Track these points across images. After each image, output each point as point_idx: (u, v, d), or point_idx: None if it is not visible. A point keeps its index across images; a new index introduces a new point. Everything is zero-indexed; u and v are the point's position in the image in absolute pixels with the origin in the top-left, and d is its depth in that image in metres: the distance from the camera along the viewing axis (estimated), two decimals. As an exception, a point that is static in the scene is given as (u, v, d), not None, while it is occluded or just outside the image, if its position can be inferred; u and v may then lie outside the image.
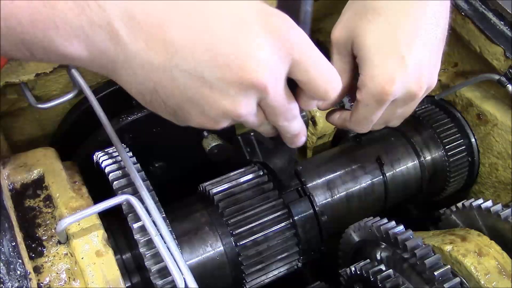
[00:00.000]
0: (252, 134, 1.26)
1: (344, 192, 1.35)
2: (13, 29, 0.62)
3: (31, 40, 0.63)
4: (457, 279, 1.02)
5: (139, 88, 0.70)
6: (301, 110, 0.86)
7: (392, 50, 0.91)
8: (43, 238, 0.98)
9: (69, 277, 0.93)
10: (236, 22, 0.67)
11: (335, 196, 1.33)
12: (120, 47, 0.65)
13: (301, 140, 0.90)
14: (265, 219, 1.19)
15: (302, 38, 0.74)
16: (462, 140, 1.47)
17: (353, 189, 1.36)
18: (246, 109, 0.73)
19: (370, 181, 1.38)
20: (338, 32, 0.99)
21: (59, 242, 0.97)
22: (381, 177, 1.39)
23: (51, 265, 0.94)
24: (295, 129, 0.86)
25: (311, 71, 0.75)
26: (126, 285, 1.05)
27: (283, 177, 1.22)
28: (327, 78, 0.78)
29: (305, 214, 1.22)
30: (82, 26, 0.62)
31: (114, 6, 0.63)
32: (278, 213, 1.20)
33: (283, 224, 1.20)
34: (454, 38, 1.45)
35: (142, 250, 0.97)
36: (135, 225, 0.98)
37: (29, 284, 0.84)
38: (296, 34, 0.73)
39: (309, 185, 1.30)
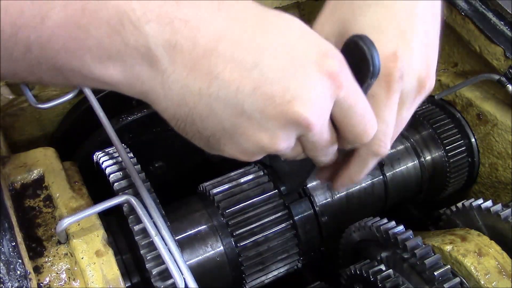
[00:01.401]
0: None
1: (344, 193, 1.35)
2: (48, 56, 0.59)
3: (65, 66, 0.60)
4: (457, 279, 1.02)
5: (174, 112, 0.67)
6: None
7: (390, 26, 0.80)
8: (43, 238, 0.98)
9: (69, 277, 0.93)
10: (291, 63, 0.64)
11: (335, 197, 1.33)
12: (158, 72, 0.62)
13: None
14: (266, 220, 1.19)
15: (350, 79, 0.71)
16: (462, 140, 1.47)
17: (353, 189, 1.36)
18: (284, 144, 0.70)
19: (370, 181, 1.38)
20: (317, 27, 0.86)
21: (59, 242, 0.97)
22: (381, 177, 1.39)
23: (51, 265, 0.94)
24: (331, 159, 0.85)
25: (353, 110, 0.72)
26: (126, 285, 1.05)
27: (288, 182, 1.20)
28: (367, 119, 0.75)
29: (305, 214, 1.22)
30: (118, 50, 0.60)
31: (155, 31, 0.59)
32: (279, 214, 1.20)
33: (283, 225, 1.20)
34: (454, 38, 1.45)
35: (142, 250, 0.97)
36: (135, 226, 0.98)
37: (29, 284, 0.84)
38: (346, 74, 0.70)
39: (309, 185, 1.30)
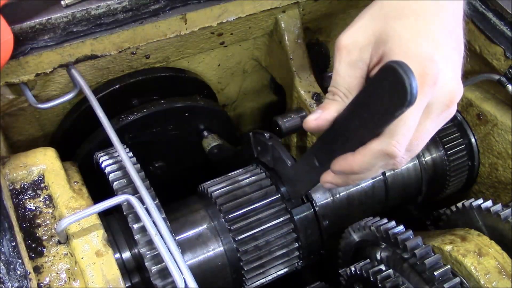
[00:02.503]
0: (268, 137, 1.23)
1: (345, 194, 1.35)
2: None
3: None
4: (457, 279, 1.02)
5: None
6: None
7: (427, 34, 0.80)
8: (43, 238, 0.98)
9: (69, 277, 0.93)
10: None
11: (336, 199, 1.33)
12: None
13: None
14: (266, 222, 1.19)
15: None
16: (462, 140, 1.47)
17: (354, 190, 1.36)
18: None
19: (370, 183, 1.38)
20: (352, 37, 0.86)
21: (59, 242, 0.97)
22: (381, 177, 1.39)
23: (51, 265, 0.94)
24: None
25: None
26: (126, 285, 1.05)
27: (290, 188, 1.19)
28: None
29: (306, 218, 1.22)
30: None
31: None
32: (281, 219, 1.20)
33: (285, 229, 1.20)
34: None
35: (142, 250, 0.97)
36: (135, 225, 0.98)
37: (29, 284, 0.84)
38: None
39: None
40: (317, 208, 1.23)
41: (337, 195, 1.34)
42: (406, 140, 0.79)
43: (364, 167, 0.83)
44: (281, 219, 1.20)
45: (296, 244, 1.21)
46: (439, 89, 0.79)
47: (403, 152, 0.80)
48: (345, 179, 0.90)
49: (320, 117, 0.86)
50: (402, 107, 0.69)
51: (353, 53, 0.85)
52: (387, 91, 0.70)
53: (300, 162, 1.06)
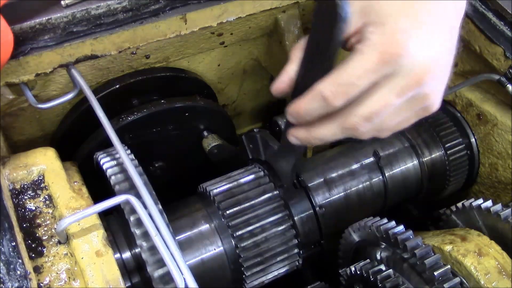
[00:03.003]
0: (256, 132, 1.26)
1: (343, 191, 1.35)
2: None
3: None
4: (457, 279, 1.02)
5: None
6: None
7: (409, 15, 0.79)
8: (43, 238, 0.98)
9: (69, 277, 0.93)
10: None
11: (334, 195, 1.33)
12: None
13: None
14: (265, 220, 1.19)
15: None
16: (462, 140, 1.47)
17: (352, 188, 1.36)
18: None
19: (369, 181, 1.38)
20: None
21: (59, 242, 0.97)
22: (381, 177, 1.39)
23: (51, 265, 0.94)
24: None
25: None
26: (126, 285, 1.05)
27: (284, 180, 1.21)
28: None
29: (305, 215, 1.22)
30: None
31: None
32: (279, 215, 1.20)
33: (283, 226, 1.20)
34: (454, 38, 1.45)
35: (142, 250, 0.97)
36: (135, 225, 0.98)
37: (29, 284, 0.84)
38: None
39: (309, 184, 1.30)
40: (316, 207, 1.23)
41: (337, 195, 1.34)
42: (341, 83, 0.79)
43: (307, 108, 0.83)
44: (280, 215, 1.20)
45: (295, 241, 1.21)
46: (406, 62, 0.78)
47: (338, 98, 0.79)
48: (305, 133, 0.89)
49: (281, 79, 0.88)
50: (334, 23, 0.74)
51: None
52: (323, 18, 0.76)
53: (282, 140, 1.08)
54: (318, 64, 0.81)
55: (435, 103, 0.84)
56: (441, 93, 0.85)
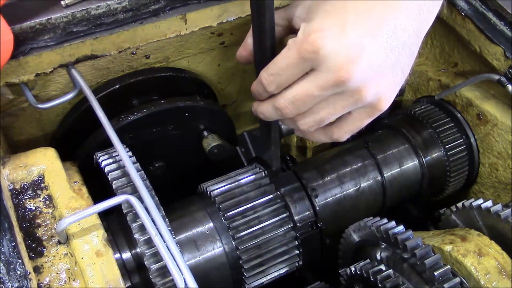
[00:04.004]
0: (245, 133, 1.29)
1: (343, 193, 1.35)
2: None
3: None
4: (457, 279, 1.02)
5: None
6: None
7: (335, 15, 0.87)
8: (43, 238, 0.98)
9: (69, 277, 0.93)
10: None
11: (335, 197, 1.33)
12: None
13: None
14: (266, 222, 1.19)
15: None
16: (462, 140, 1.47)
17: (352, 188, 1.36)
18: None
19: (369, 181, 1.38)
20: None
21: (59, 242, 0.97)
22: (380, 177, 1.39)
23: (51, 265, 0.94)
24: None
25: None
26: (126, 285, 1.05)
27: (271, 163, 1.25)
28: None
29: (306, 217, 1.22)
30: None
31: None
32: (280, 217, 1.20)
33: (284, 228, 1.20)
34: (454, 38, 1.46)
35: (142, 250, 0.97)
36: (135, 225, 0.98)
37: (29, 284, 0.84)
38: None
39: (309, 183, 1.30)
40: (316, 207, 1.23)
41: (336, 195, 1.34)
42: (272, 73, 0.93)
43: (255, 89, 1.01)
44: (280, 216, 1.20)
45: (295, 242, 1.21)
46: (325, 60, 0.86)
47: (271, 84, 0.94)
48: (255, 106, 1.05)
49: (241, 47, 1.09)
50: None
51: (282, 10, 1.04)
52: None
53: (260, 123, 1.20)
54: (259, 42, 0.98)
55: (373, 98, 0.91)
56: (385, 89, 0.91)
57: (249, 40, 1.07)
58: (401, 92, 1.68)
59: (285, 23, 1.06)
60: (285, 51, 0.90)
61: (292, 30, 1.07)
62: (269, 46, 0.97)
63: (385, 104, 0.94)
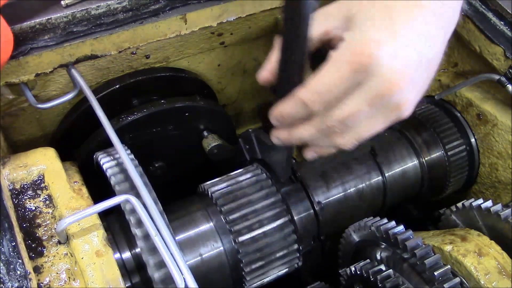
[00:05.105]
0: (251, 131, 1.27)
1: (344, 194, 1.35)
2: None
3: None
4: (457, 279, 1.02)
5: None
6: None
7: (385, 25, 0.81)
8: (43, 238, 0.98)
9: (69, 277, 0.93)
10: None
11: (335, 198, 1.33)
12: None
13: None
14: (268, 226, 1.19)
15: None
16: (462, 140, 1.47)
17: (352, 188, 1.36)
18: None
19: (369, 181, 1.38)
20: (325, 7, 0.90)
21: (59, 242, 0.97)
22: (381, 177, 1.39)
23: (51, 265, 0.94)
24: None
25: None
26: (126, 285, 1.05)
27: (278, 170, 1.22)
28: None
29: (306, 220, 1.22)
30: None
31: None
32: (281, 220, 1.20)
33: (285, 231, 1.20)
34: (454, 38, 1.45)
35: (141, 249, 0.97)
36: (135, 225, 0.98)
37: (29, 284, 0.84)
38: None
39: (310, 185, 1.30)
40: (316, 208, 1.23)
41: (337, 195, 1.34)
42: (316, 93, 0.83)
43: (289, 112, 0.89)
44: (282, 220, 1.20)
45: (296, 245, 1.21)
46: (376, 72, 0.80)
47: (316, 104, 0.84)
48: (286, 134, 0.95)
49: (264, 68, 0.93)
50: (300, 13, 0.78)
51: (316, 16, 0.87)
52: (290, 15, 0.81)
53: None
54: (292, 61, 0.86)
55: (406, 111, 0.87)
56: (414, 101, 0.87)
57: (273, 58, 0.92)
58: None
59: (319, 36, 0.90)
60: (330, 65, 0.82)
61: (324, 43, 0.94)
62: (301, 62, 0.87)
63: (408, 114, 0.89)
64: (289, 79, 0.88)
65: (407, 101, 0.85)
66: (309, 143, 0.97)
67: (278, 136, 0.97)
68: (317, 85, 0.84)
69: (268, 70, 0.94)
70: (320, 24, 0.89)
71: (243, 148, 1.34)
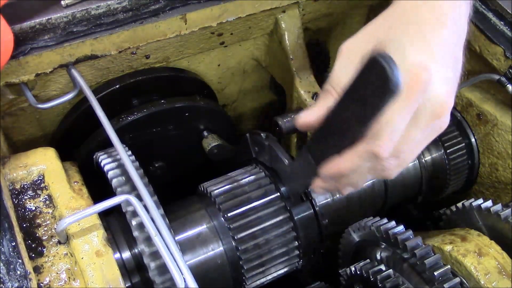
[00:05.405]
0: (264, 138, 1.24)
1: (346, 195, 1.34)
2: None
3: None
4: (457, 279, 1.02)
5: None
6: None
7: (424, 47, 0.81)
8: (43, 238, 0.98)
9: (69, 277, 0.93)
10: None
11: (336, 198, 1.33)
12: None
13: None
14: (266, 222, 1.19)
15: None
16: (462, 140, 1.47)
17: (354, 190, 1.35)
18: None
19: (370, 182, 1.37)
20: (355, 42, 0.87)
21: (59, 242, 0.97)
22: (381, 177, 1.39)
23: (51, 265, 0.94)
24: None
25: None
26: (126, 285, 1.05)
27: (292, 195, 1.20)
28: None
29: (306, 217, 1.22)
30: None
31: None
32: (280, 217, 1.20)
33: (284, 228, 1.20)
34: (454, 38, 1.45)
35: (142, 250, 0.97)
36: (135, 225, 0.98)
37: (29, 284, 0.84)
38: None
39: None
40: (316, 207, 1.23)
41: (337, 194, 1.33)
42: (391, 142, 0.79)
43: (351, 167, 0.82)
44: (281, 217, 1.20)
45: (296, 243, 1.21)
46: (429, 98, 0.79)
47: (389, 154, 0.80)
48: (334, 184, 0.89)
49: (311, 113, 0.86)
50: (386, 97, 0.70)
51: (352, 56, 0.84)
52: (372, 82, 0.71)
53: (296, 159, 1.06)
54: (357, 121, 0.78)
55: (444, 129, 0.86)
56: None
57: (323, 105, 0.84)
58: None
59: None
60: (396, 105, 0.75)
61: None
62: (369, 122, 0.77)
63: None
64: (349, 131, 0.80)
65: (448, 120, 0.84)
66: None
67: (325, 188, 0.91)
68: (389, 131, 0.78)
69: (315, 117, 0.86)
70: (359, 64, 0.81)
71: (250, 146, 1.32)
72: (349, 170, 0.83)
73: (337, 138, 0.82)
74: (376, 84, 0.71)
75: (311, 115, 0.87)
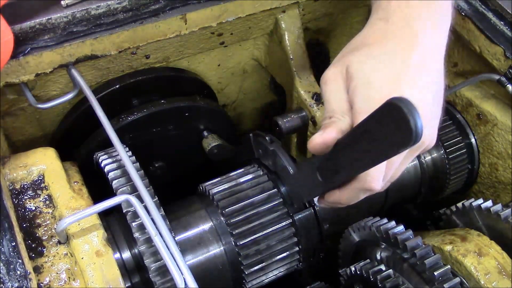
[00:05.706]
0: (269, 142, 1.23)
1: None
2: None
3: None
4: (457, 279, 1.02)
5: None
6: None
7: (391, 76, 0.86)
8: (43, 238, 0.98)
9: (69, 277, 0.93)
10: None
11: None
12: None
13: None
14: (267, 223, 1.18)
15: None
16: (462, 140, 1.47)
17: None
18: None
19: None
20: (330, 71, 0.94)
21: (59, 242, 0.97)
22: (381, 177, 1.39)
23: (51, 265, 0.94)
24: None
25: None
26: (126, 285, 1.05)
27: (295, 202, 1.20)
28: None
29: (308, 223, 1.21)
30: None
31: None
32: (283, 223, 1.19)
33: (286, 234, 1.19)
34: (454, 38, 1.45)
35: (142, 250, 0.97)
36: (135, 225, 0.98)
37: (29, 284, 0.84)
38: None
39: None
40: (318, 212, 1.23)
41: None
42: (381, 175, 0.87)
43: (349, 200, 0.95)
44: (283, 223, 1.19)
45: (297, 248, 1.21)
46: None
47: (381, 187, 0.90)
48: (333, 201, 0.99)
49: (323, 136, 0.89)
50: (406, 146, 0.69)
51: (333, 84, 0.92)
52: (391, 128, 0.70)
53: (302, 171, 1.06)
54: (372, 158, 0.78)
55: (432, 144, 0.94)
56: (436, 130, 0.94)
57: (332, 128, 0.88)
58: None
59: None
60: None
61: None
62: (377, 162, 0.80)
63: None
64: (356, 164, 0.82)
65: (435, 135, 0.92)
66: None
67: (329, 206, 1.00)
68: (377, 170, 0.86)
69: (326, 140, 0.89)
70: (343, 89, 0.91)
71: (253, 147, 1.31)
72: (347, 201, 0.96)
73: (350, 166, 0.85)
74: (395, 131, 0.69)
75: (323, 139, 0.90)
